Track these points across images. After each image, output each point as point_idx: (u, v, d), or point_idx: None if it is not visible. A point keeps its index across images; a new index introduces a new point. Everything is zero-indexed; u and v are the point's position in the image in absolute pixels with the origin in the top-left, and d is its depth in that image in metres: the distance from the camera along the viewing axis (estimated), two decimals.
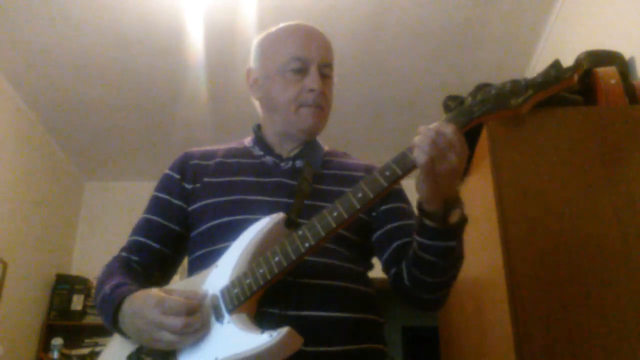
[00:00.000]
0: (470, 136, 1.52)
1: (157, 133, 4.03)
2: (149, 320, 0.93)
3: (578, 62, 0.96)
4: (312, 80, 1.15)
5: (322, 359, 0.97)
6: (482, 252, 1.50)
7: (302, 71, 1.16)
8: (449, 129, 0.89)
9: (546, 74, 0.91)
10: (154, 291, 0.97)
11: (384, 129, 3.87)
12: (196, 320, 0.93)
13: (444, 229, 0.96)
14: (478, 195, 1.53)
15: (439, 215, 0.95)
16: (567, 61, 1.59)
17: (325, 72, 1.18)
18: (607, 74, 1.49)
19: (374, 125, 3.90)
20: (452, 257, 1.00)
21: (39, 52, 3.18)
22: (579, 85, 1.51)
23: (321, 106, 1.17)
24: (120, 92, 3.56)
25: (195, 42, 3.07)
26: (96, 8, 2.86)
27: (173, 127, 3.94)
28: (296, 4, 2.81)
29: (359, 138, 3.98)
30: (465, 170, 1.72)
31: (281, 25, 1.24)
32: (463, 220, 0.97)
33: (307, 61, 1.16)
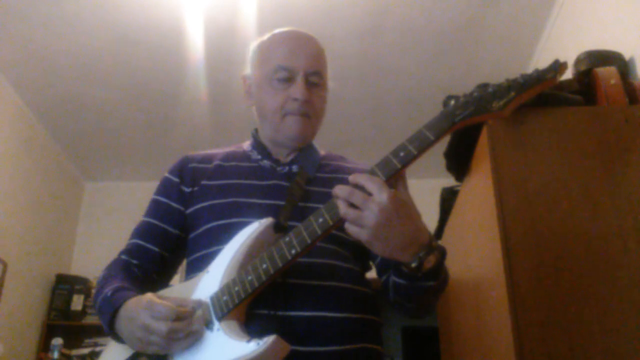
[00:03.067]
0: (470, 136, 1.52)
1: (157, 133, 4.03)
2: (139, 323, 0.95)
3: (562, 62, 0.94)
4: (296, 89, 1.16)
5: (314, 359, 0.98)
6: (482, 252, 1.50)
7: (288, 80, 1.17)
8: (369, 184, 0.86)
9: (528, 75, 0.91)
10: (147, 295, 0.99)
11: (384, 129, 3.88)
12: (184, 326, 0.94)
13: (420, 274, 0.93)
14: (478, 195, 1.53)
15: (413, 266, 0.91)
16: (567, 61, 1.59)
17: (313, 80, 1.19)
18: (607, 74, 1.49)
19: (374, 125, 3.90)
20: (434, 292, 0.99)
21: (39, 52, 3.18)
22: (579, 85, 1.51)
23: (307, 114, 1.18)
24: (120, 92, 3.56)
25: (195, 42, 3.07)
26: (97, 8, 2.86)
27: (173, 128, 3.94)
28: (296, 3, 2.81)
29: (358, 138, 3.98)
30: (465, 170, 1.72)
31: (274, 31, 1.26)
32: (440, 263, 0.94)
33: (293, 70, 1.17)
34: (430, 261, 0.92)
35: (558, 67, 0.91)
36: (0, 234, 3.46)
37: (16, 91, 3.55)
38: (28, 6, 2.85)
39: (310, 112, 1.18)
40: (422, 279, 0.94)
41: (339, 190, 0.88)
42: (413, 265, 0.91)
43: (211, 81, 3.41)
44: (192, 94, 3.54)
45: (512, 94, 0.90)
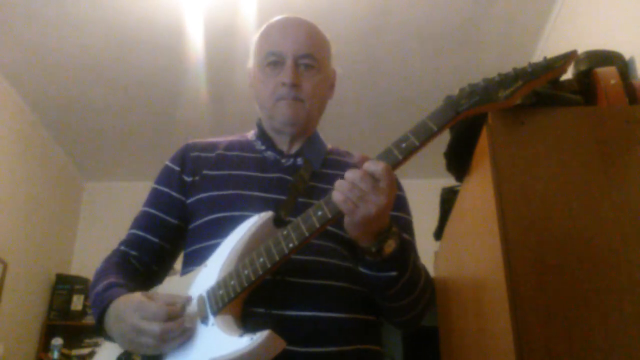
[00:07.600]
0: (471, 136, 1.52)
1: (157, 133, 4.03)
2: (129, 325, 0.93)
3: (572, 50, 0.92)
4: (283, 73, 1.15)
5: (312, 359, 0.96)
6: (482, 252, 1.50)
7: (278, 65, 1.17)
8: (378, 168, 0.86)
9: (536, 63, 0.89)
10: (136, 296, 0.97)
11: (384, 129, 3.87)
12: (176, 326, 0.93)
13: (382, 261, 0.94)
14: (478, 195, 1.53)
15: (373, 250, 0.93)
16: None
17: (305, 62, 1.17)
18: (607, 74, 1.49)
19: (374, 125, 3.90)
20: (401, 285, 0.99)
21: (39, 52, 3.18)
22: (579, 86, 1.51)
23: (299, 98, 1.16)
24: (120, 92, 3.56)
25: (196, 42, 3.07)
26: (97, 8, 2.86)
27: (173, 127, 3.94)
28: (296, 3, 2.81)
29: (359, 138, 3.98)
30: (465, 170, 1.72)
31: (270, 20, 1.26)
32: (400, 249, 0.95)
33: (282, 54, 1.16)
34: (390, 245, 0.92)
35: (568, 55, 0.89)
36: (0, 234, 3.46)
37: (16, 91, 3.55)
38: (28, 7, 2.85)
39: (302, 95, 1.16)
40: (384, 268, 0.94)
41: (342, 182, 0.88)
42: (373, 249, 0.92)
43: (211, 81, 3.41)
44: (192, 94, 3.54)
45: (520, 82, 0.87)
